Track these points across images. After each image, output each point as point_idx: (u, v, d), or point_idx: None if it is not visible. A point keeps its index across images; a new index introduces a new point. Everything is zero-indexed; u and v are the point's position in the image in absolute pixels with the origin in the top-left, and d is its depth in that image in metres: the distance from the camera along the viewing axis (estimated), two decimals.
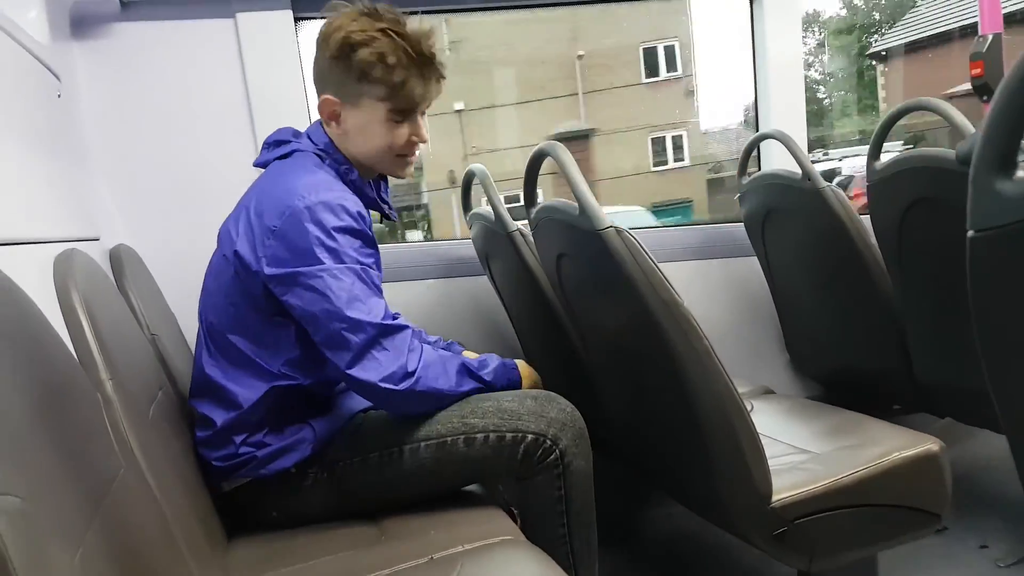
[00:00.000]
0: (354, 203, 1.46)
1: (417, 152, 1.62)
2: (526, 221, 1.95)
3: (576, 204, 1.53)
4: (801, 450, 1.72)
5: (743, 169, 2.60)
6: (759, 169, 2.80)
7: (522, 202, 1.94)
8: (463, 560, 1.26)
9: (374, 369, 1.41)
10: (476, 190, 2.35)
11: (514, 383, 1.64)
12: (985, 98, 2.39)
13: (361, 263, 1.44)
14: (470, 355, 1.72)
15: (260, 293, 1.46)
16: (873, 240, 2.15)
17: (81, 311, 1.14)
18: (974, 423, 2.19)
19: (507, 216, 2.01)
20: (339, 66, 1.49)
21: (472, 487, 1.64)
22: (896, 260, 2.11)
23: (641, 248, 1.44)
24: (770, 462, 1.49)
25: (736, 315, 2.72)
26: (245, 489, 1.53)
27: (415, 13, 1.56)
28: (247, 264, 1.45)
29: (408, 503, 1.55)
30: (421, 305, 2.48)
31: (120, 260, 1.78)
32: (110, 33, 2.20)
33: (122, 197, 2.24)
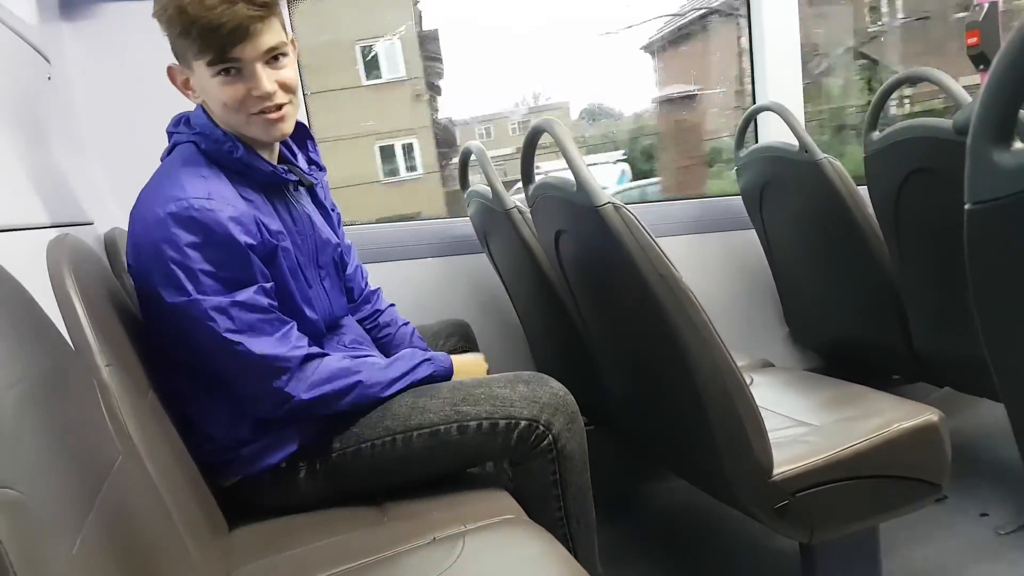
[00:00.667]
0: (210, 207, 1.32)
1: (280, 105, 1.41)
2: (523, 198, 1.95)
3: (574, 180, 1.53)
4: (801, 423, 1.72)
5: (740, 142, 2.58)
6: (756, 141, 2.78)
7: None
8: (466, 539, 1.26)
9: (268, 409, 1.43)
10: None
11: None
12: (982, 67, 2.38)
13: (227, 282, 1.33)
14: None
15: (155, 311, 1.38)
16: (871, 211, 2.14)
17: (75, 296, 1.14)
18: (973, 392, 2.20)
19: (505, 193, 2.01)
20: (161, 24, 1.37)
21: (475, 468, 1.65)
22: (894, 231, 2.11)
23: (639, 223, 1.43)
24: (770, 435, 1.49)
25: (735, 288, 2.72)
26: (240, 485, 1.51)
27: None
28: (139, 283, 1.39)
29: (406, 487, 1.55)
30: (420, 284, 2.47)
31: (115, 244, 1.76)
32: (101, 13, 2.17)
33: (116, 180, 2.21)
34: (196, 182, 1.36)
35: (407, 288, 2.29)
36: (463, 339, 2.02)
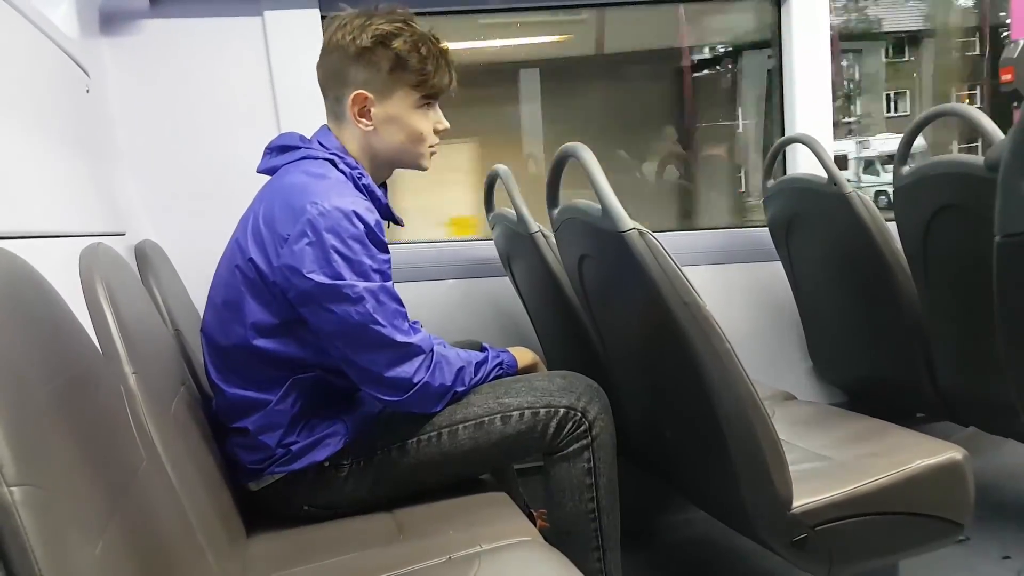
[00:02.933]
0: (367, 208, 1.45)
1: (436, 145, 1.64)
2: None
3: (599, 206, 1.53)
4: (822, 456, 1.70)
5: (768, 173, 2.58)
6: (784, 173, 2.78)
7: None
8: (481, 560, 1.26)
9: (388, 392, 1.48)
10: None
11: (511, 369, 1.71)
12: (1016, 104, 2.37)
13: (379, 273, 1.44)
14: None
15: (274, 300, 1.46)
16: (899, 246, 2.13)
17: (106, 304, 1.15)
18: (998, 433, 2.17)
19: (529, 217, 2.01)
20: (369, 59, 1.51)
21: (492, 488, 1.65)
22: (921, 267, 2.09)
23: (664, 250, 1.43)
24: (791, 468, 1.48)
25: (758, 320, 2.70)
26: (274, 487, 1.54)
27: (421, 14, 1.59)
28: (262, 271, 1.45)
29: (440, 487, 1.60)
30: (442, 305, 2.48)
31: (145, 255, 1.79)
32: (139, 29, 2.22)
33: (148, 193, 2.26)
34: (351, 187, 1.51)
35: (427, 309, 2.30)
36: None
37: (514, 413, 1.57)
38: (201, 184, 2.29)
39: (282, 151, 1.59)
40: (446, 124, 1.63)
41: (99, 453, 0.87)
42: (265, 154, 1.62)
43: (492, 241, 2.39)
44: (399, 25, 1.51)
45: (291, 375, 1.50)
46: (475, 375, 1.60)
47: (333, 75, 1.57)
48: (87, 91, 1.93)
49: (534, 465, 1.65)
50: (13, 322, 0.79)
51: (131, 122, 2.22)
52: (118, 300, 1.19)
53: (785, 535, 1.49)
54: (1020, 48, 2.30)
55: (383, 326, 1.43)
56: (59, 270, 1.07)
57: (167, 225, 2.22)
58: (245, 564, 1.39)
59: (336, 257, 1.39)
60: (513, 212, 2.08)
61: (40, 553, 0.64)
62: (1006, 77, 2.35)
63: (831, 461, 1.67)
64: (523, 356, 1.76)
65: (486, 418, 1.56)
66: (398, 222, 1.69)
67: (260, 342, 1.48)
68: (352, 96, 1.54)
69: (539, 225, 2.01)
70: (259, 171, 1.61)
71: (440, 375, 1.52)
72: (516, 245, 2.16)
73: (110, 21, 2.19)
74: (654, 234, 1.45)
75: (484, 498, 1.60)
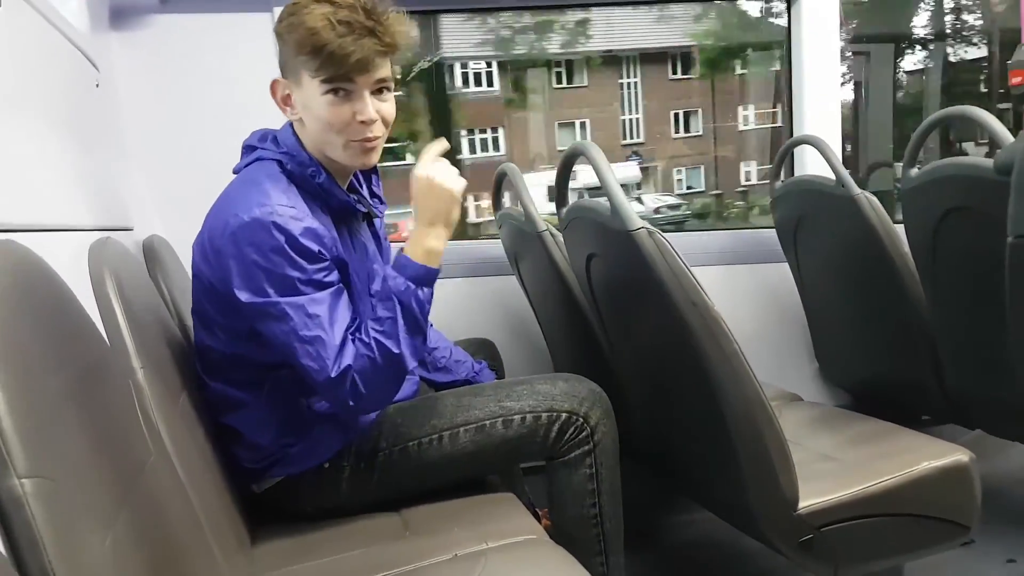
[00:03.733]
0: (292, 217, 1.35)
1: (376, 136, 1.45)
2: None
3: (608, 204, 1.53)
4: (828, 457, 1.70)
5: (776, 174, 2.58)
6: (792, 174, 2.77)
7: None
8: (487, 557, 1.26)
9: (336, 402, 1.43)
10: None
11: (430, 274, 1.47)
12: None
13: (311, 284, 1.35)
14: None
15: (226, 310, 1.42)
16: (906, 248, 2.12)
17: (115, 298, 1.16)
18: (1005, 436, 2.16)
19: (537, 216, 2.01)
20: (283, 39, 1.41)
21: (497, 487, 1.65)
22: (929, 269, 2.09)
23: (672, 250, 1.43)
24: (797, 469, 1.48)
25: (765, 321, 2.70)
26: (276, 488, 1.54)
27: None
28: (211, 281, 1.42)
29: (444, 488, 1.59)
30: (448, 304, 2.48)
31: (153, 250, 1.79)
32: (149, 24, 2.22)
33: (156, 188, 2.26)
34: (280, 194, 1.39)
35: (434, 307, 2.29)
36: (488, 356, 2.04)
37: (515, 417, 1.55)
38: (209, 180, 2.26)
39: (247, 151, 1.54)
40: (369, 114, 1.40)
41: (108, 446, 0.88)
42: (242, 152, 1.57)
43: (499, 240, 2.39)
44: (308, 3, 1.36)
45: (267, 374, 1.48)
46: (403, 323, 1.40)
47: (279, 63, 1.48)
48: (97, 85, 1.93)
49: (539, 464, 1.64)
50: (23, 314, 0.79)
51: (140, 117, 2.23)
52: (126, 294, 1.19)
53: (791, 536, 1.49)
54: None
55: (306, 351, 1.34)
56: (68, 264, 1.07)
57: (175, 220, 2.21)
58: (252, 560, 1.39)
59: (257, 272, 1.34)
60: (521, 211, 2.08)
61: (50, 544, 0.64)
62: (1016, 80, 2.34)
63: (837, 462, 1.67)
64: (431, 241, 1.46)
65: (487, 421, 1.55)
66: (373, 213, 1.62)
67: (232, 347, 1.46)
68: (272, 82, 1.49)
69: (546, 224, 2.01)
70: (233, 171, 1.55)
71: (376, 374, 1.39)
72: (523, 244, 2.16)
73: (120, 16, 2.19)
74: (663, 234, 1.45)
75: (490, 497, 1.60)
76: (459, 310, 2.49)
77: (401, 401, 1.61)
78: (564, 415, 1.55)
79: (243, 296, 1.34)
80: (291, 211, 1.36)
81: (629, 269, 1.54)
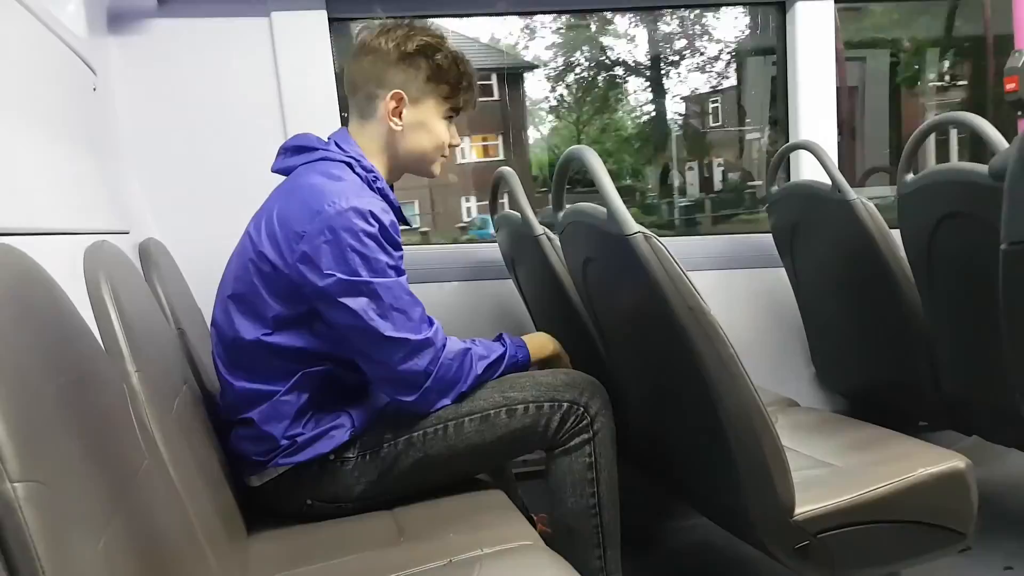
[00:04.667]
0: (383, 209, 1.49)
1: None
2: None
3: (604, 209, 1.53)
4: (825, 463, 1.70)
5: (772, 179, 2.58)
6: (788, 179, 2.78)
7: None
8: (482, 563, 1.26)
9: (401, 389, 1.54)
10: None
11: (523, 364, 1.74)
12: (1020, 113, 2.36)
13: (395, 269, 1.49)
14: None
15: (288, 294, 1.49)
16: (902, 254, 2.12)
17: (110, 302, 1.15)
18: (1001, 442, 2.16)
19: (534, 219, 2.01)
20: (411, 64, 1.61)
21: (493, 492, 1.65)
22: (925, 275, 2.09)
23: (669, 254, 1.43)
24: (793, 475, 1.47)
25: (761, 326, 2.70)
26: (277, 481, 1.56)
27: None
28: (275, 265, 1.48)
29: (441, 486, 1.63)
30: (446, 307, 2.48)
31: (149, 254, 1.79)
32: (146, 29, 2.22)
33: (153, 192, 2.26)
34: (366, 190, 1.56)
35: (432, 310, 2.28)
36: None
37: (519, 407, 1.60)
38: (206, 183, 2.29)
39: (298, 151, 1.63)
40: (459, 141, 1.73)
41: (101, 451, 0.87)
42: (280, 154, 1.66)
43: (496, 243, 2.39)
44: (440, 40, 1.64)
45: (301, 368, 1.53)
46: (483, 373, 1.63)
47: (370, 75, 1.63)
48: (94, 89, 1.93)
49: (534, 470, 1.65)
50: (18, 318, 0.79)
51: (137, 121, 2.23)
52: (122, 298, 1.19)
53: (787, 542, 1.49)
54: None
55: (396, 322, 1.47)
56: (64, 267, 1.07)
57: (171, 224, 2.22)
58: (245, 564, 1.38)
59: (352, 255, 1.44)
60: (518, 215, 2.07)
61: (42, 549, 0.64)
62: (1010, 86, 2.34)
63: (834, 468, 1.67)
64: (542, 346, 1.80)
65: (491, 411, 1.60)
66: (408, 223, 1.72)
67: (276, 337, 1.51)
68: (390, 94, 1.62)
69: (543, 228, 2.01)
70: (274, 170, 1.65)
71: (450, 369, 1.55)
72: (521, 247, 2.16)
73: (118, 20, 2.20)
74: (659, 238, 1.45)
75: (485, 500, 1.60)
76: (456, 313, 2.49)
77: None
78: (565, 404, 1.61)
79: (337, 274, 1.44)
80: (381, 204, 1.51)
81: (625, 273, 1.54)
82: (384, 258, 1.47)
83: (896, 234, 2.15)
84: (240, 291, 1.53)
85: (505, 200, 2.39)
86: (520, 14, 2.88)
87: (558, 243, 1.96)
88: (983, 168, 1.79)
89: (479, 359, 1.62)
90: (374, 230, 1.46)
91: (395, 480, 1.59)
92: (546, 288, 2.07)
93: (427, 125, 1.66)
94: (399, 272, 1.50)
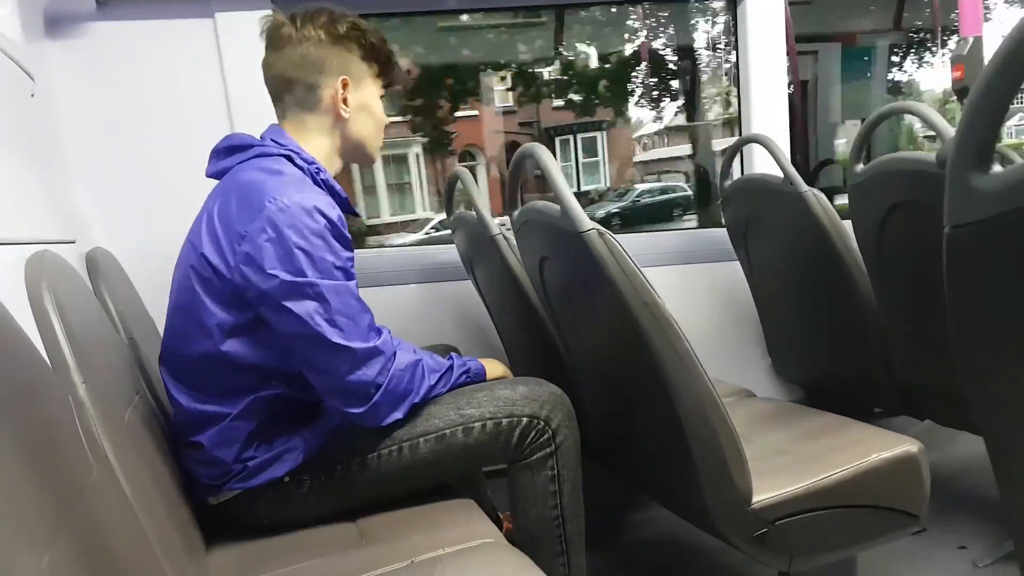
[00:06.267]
0: (329, 204, 1.42)
1: None
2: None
3: (558, 206, 1.53)
4: (781, 452, 1.71)
5: (725, 173, 2.60)
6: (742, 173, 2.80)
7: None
8: (443, 563, 1.25)
9: (350, 402, 1.45)
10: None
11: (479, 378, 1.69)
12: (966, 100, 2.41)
13: (342, 271, 1.41)
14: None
15: (233, 299, 1.41)
16: (854, 244, 2.15)
17: (53, 312, 1.12)
18: (953, 426, 2.20)
19: (490, 219, 2.01)
20: (343, 48, 1.57)
21: (457, 494, 1.64)
22: (877, 264, 2.12)
23: (623, 250, 1.43)
24: (750, 464, 1.49)
25: (718, 319, 2.72)
26: (232, 501, 1.51)
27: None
28: (217, 269, 1.40)
29: (404, 498, 1.58)
30: (405, 310, 2.47)
31: (96, 263, 1.75)
32: (86, 32, 2.18)
33: (100, 200, 2.21)
34: (309, 184, 1.48)
35: (391, 314, 2.29)
36: None
37: (476, 424, 1.55)
38: (154, 189, 2.25)
39: (230, 152, 1.55)
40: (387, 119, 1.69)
41: (46, 464, 0.85)
42: (212, 158, 1.57)
43: (454, 245, 2.39)
44: (360, 18, 1.59)
45: (252, 391, 1.46)
46: (436, 384, 1.56)
47: (305, 65, 1.55)
48: (32, 95, 1.88)
49: (502, 467, 1.64)
50: None
51: (80, 127, 2.18)
52: (66, 308, 1.16)
53: (746, 530, 1.50)
54: (970, 45, 2.34)
55: (344, 328, 1.39)
56: (3, 279, 1.04)
57: (119, 232, 2.17)
58: (205, 573, 1.36)
59: (298, 253, 1.36)
60: (474, 215, 2.07)
61: None
62: (956, 74, 2.38)
63: (790, 456, 1.68)
64: (493, 368, 1.73)
65: (447, 430, 1.54)
66: (356, 214, 1.68)
67: (225, 346, 1.43)
68: (339, 80, 1.57)
69: (499, 227, 2.00)
70: (208, 175, 1.57)
71: (401, 380, 1.48)
72: (478, 247, 2.15)
73: (55, 23, 2.15)
74: (613, 235, 1.45)
75: (448, 503, 1.59)
76: (415, 316, 2.48)
77: None
78: (525, 419, 1.56)
79: (280, 275, 1.36)
80: (327, 199, 1.43)
81: (581, 270, 1.54)
82: (331, 258, 1.38)
83: (848, 224, 2.18)
84: (183, 301, 1.46)
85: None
86: (470, 11, 2.86)
87: (515, 242, 1.96)
88: (931, 157, 1.82)
89: (431, 371, 1.56)
90: (320, 227, 1.38)
91: (352, 499, 1.56)
92: (504, 287, 2.07)
93: (368, 106, 1.62)
94: (348, 276, 1.42)
